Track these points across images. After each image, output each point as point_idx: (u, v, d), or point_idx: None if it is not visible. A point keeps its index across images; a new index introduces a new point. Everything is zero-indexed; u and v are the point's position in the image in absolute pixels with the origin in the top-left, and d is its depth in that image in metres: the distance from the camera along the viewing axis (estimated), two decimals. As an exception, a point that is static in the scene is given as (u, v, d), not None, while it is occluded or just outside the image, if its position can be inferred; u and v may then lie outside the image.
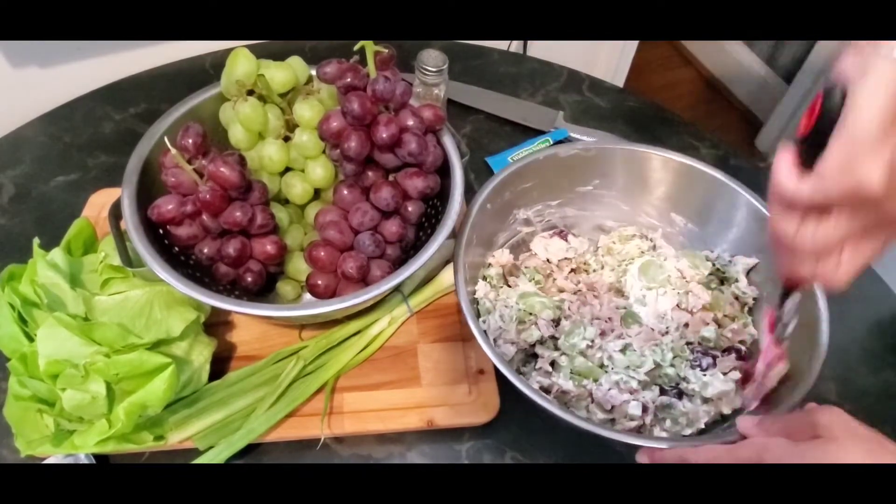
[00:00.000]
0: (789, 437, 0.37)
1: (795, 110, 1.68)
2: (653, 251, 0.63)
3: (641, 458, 0.43)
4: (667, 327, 0.57)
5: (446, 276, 0.64)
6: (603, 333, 0.56)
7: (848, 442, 0.34)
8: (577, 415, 0.48)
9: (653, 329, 0.57)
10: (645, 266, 0.60)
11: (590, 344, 0.55)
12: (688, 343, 0.56)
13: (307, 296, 0.58)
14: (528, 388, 0.47)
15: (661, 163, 0.61)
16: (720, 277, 0.61)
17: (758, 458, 0.36)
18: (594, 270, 0.63)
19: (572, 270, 0.63)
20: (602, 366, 0.55)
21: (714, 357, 0.55)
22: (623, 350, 0.54)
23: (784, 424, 0.39)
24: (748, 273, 0.60)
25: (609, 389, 0.52)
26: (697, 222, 0.63)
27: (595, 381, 0.53)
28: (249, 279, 0.56)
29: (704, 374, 0.53)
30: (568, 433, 0.58)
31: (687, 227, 0.63)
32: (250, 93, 0.56)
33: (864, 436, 0.34)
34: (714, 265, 0.61)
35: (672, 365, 0.54)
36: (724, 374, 0.53)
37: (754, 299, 0.59)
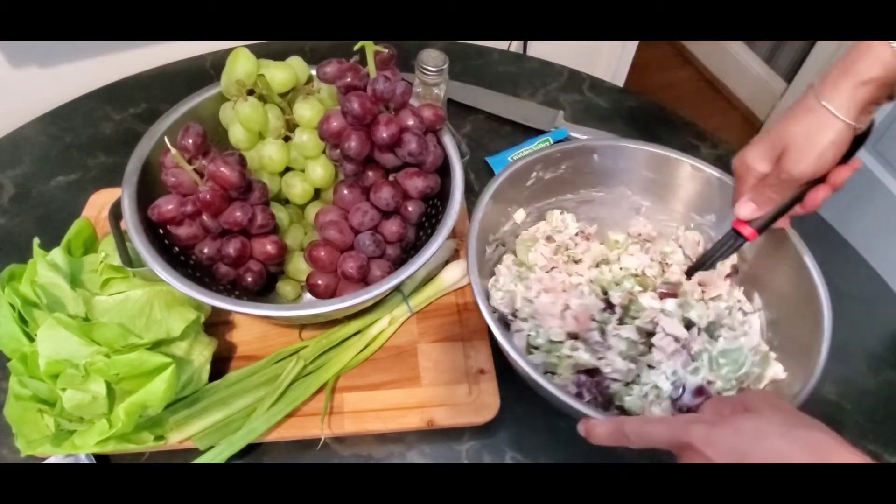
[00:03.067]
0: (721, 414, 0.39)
1: (795, 110, 1.68)
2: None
3: (580, 429, 0.44)
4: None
5: (446, 276, 0.64)
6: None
7: (770, 411, 0.36)
8: (573, 397, 0.47)
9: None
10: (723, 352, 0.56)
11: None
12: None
13: (307, 296, 0.58)
14: (532, 369, 0.47)
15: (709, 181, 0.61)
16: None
17: (685, 427, 0.37)
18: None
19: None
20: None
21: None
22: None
23: (718, 403, 0.40)
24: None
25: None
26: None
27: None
28: (249, 279, 0.56)
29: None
30: (568, 433, 0.58)
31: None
32: (250, 93, 0.56)
33: (785, 409, 0.37)
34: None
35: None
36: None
37: None
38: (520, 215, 0.63)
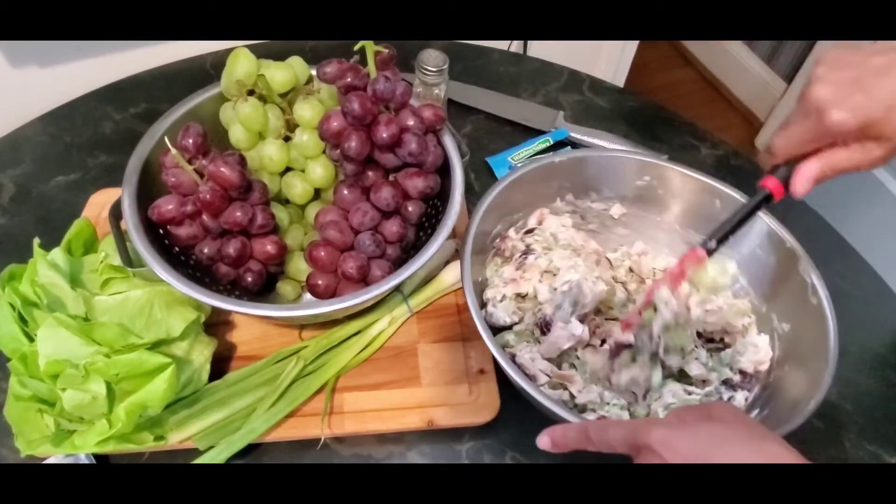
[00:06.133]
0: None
1: (795, 110, 1.68)
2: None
3: (542, 443, 0.41)
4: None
5: (446, 276, 0.64)
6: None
7: (734, 421, 0.35)
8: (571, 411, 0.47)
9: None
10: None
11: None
12: None
13: (307, 296, 0.58)
14: (527, 383, 0.47)
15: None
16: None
17: (645, 428, 0.36)
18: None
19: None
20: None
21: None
22: None
23: (682, 411, 0.39)
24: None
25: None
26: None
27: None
28: (249, 279, 0.56)
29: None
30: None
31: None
32: (250, 93, 0.56)
33: (750, 422, 0.36)
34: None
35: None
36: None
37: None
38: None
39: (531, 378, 0.54)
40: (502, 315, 0.58)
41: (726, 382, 0.56)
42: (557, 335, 0.55)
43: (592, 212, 0.65)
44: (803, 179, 0.47)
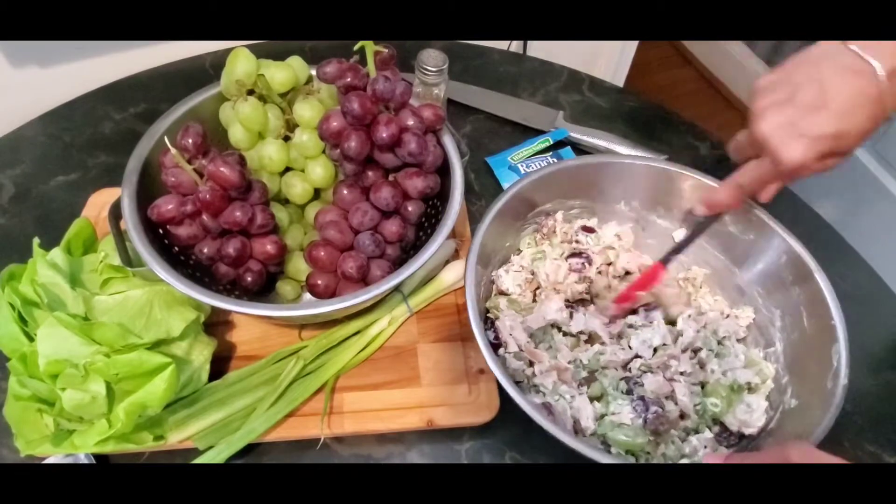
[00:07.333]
0: None
1: (795, 110, 1.68)
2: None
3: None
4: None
5: (446, 276, 0.64)
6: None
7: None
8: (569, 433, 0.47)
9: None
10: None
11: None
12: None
13: (307, 296, 0.58)
14: (524, 399, 0.46)
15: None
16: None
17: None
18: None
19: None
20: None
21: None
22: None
23: (758, 461, 0.40)
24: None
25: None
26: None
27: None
28: (249, 279, 0.56)
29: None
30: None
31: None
32: (250, 92, 0.56)
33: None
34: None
35: None
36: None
37: None
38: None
39: (502, 344, 0.55)
40: (509, 283, 0.59)
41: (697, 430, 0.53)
42: (549, 305, 0.56)
43: (656, 227, 0.63)
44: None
